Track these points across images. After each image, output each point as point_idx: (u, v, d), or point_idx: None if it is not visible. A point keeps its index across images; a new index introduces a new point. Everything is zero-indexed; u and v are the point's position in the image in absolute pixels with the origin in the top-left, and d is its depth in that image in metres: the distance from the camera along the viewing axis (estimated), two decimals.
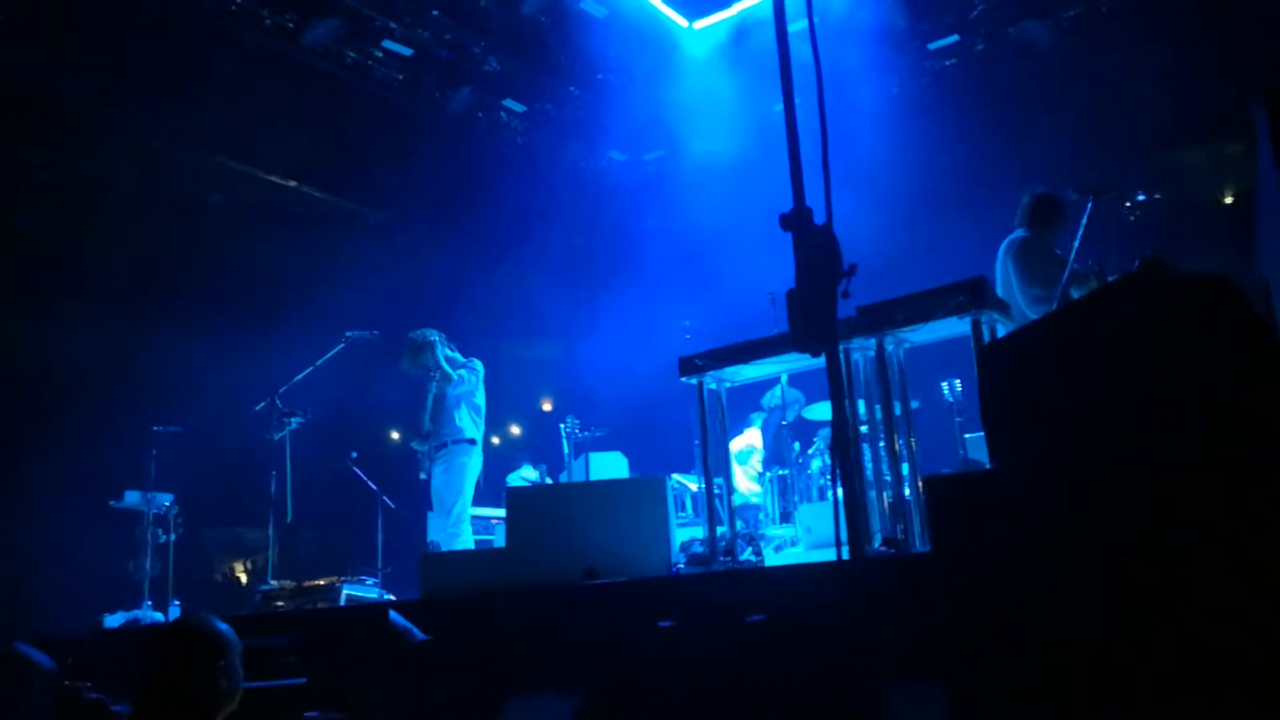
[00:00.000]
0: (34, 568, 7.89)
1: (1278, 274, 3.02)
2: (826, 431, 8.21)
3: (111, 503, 8.13)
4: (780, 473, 8.04)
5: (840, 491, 2.38)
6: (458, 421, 7.42)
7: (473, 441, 7.47)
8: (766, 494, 8.11)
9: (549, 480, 9.82)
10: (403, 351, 7.58)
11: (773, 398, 8.84)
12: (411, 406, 7.67)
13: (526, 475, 9.81)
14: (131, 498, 8.14)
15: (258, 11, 9.20)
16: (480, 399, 7.56)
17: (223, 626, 3.23)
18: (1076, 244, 5.05)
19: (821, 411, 8.19)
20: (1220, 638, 2.26)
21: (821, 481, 7.82)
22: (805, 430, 8.63)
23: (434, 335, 7.58)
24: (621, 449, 9.54)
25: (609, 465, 9.20)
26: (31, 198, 8.96)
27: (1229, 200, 9.70)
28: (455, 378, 7.39)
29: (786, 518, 7.72)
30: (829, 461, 7.89)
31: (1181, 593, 2.30)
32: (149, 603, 7.83)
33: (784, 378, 8.30)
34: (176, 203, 10.17)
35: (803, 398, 8.69)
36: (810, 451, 8.11)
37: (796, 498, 7.73)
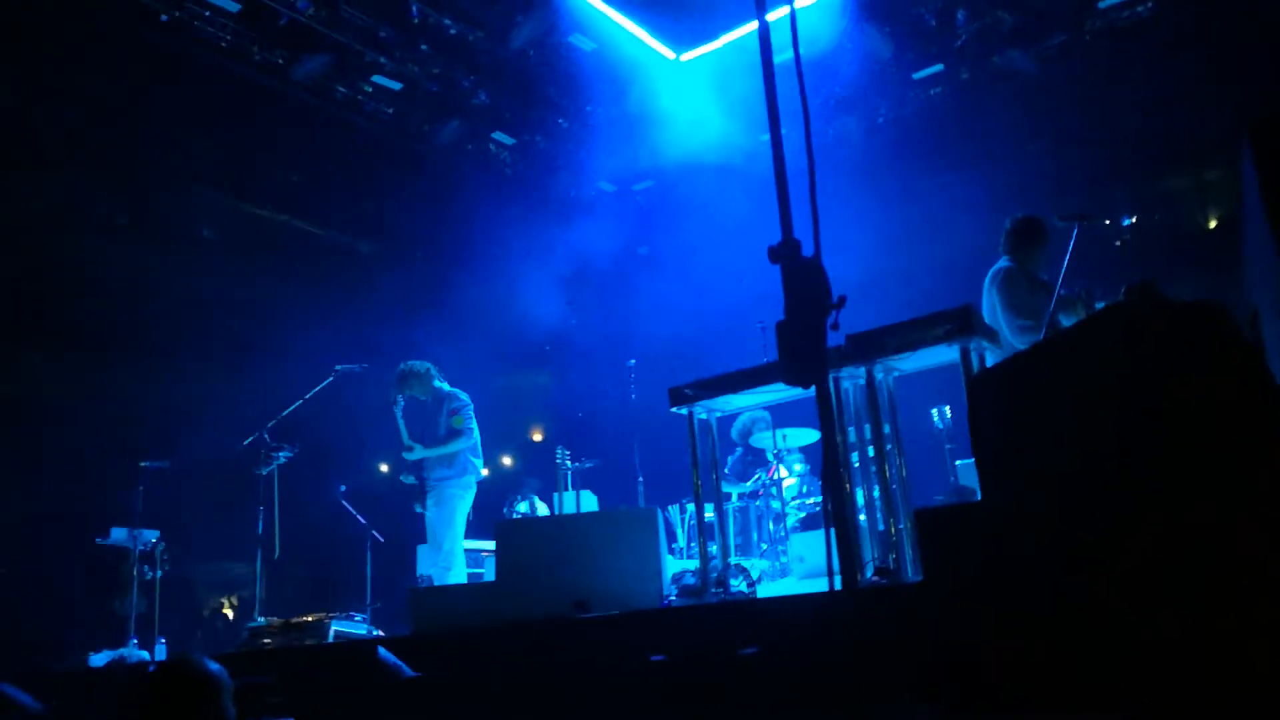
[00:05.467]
0: (19, 606, 7.79)
1: (1265, 301, 3.03)
2: (793, 458, 8.00)
3: (98, 540, 8.03)
4: (738, 505, 7.66)
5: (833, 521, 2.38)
6: (462, 464, 7.42)
7: (470, 475, 7.48)
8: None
9: (540, 509, 9.76)
10: (394, 380, 7.56)
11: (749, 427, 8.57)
12: (407, 438, 7.62)
13: (520, 509, 9.74)
14: (118, 534, 8.04)
15: (248, 48, 9.24)
16: (477, 434, 7.55)
17: (214, 666, 3.20)
18: (1063, 271, 5.07)
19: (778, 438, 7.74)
20: (1214, 666, 2.24)
21: (786, 509, 7.61)
22: (761, 457, 8.24)
23: (425, 366, 7.58)
24: (617, 478, 9.46)
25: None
26: (21, 230, 8.93)
27: (1213, 225, 9.78)
28: (466, 432, 7.39)
29: (741, 550, 7.37)
30: (802, 489, 7.75)
31: (1173, 625, 2.28)
32: (135, 640, 7.72)
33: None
34: (167, 237, 10.16)
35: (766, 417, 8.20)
36: (761, 480, 7.76)
37: (755, 533, 7.41)
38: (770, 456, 7.78)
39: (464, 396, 7.54)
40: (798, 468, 7.89)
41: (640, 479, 8.96)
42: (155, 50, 8.77)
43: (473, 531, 7.88)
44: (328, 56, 9.55)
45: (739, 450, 8.42)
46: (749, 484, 7.82)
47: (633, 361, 9.02)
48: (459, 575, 7.32)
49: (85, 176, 9.45)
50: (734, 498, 7.88)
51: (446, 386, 7.62)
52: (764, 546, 7.25)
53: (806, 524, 7.15)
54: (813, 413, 2.65)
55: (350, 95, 10.22)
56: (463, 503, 7.43)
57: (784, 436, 7.59)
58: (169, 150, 9.56)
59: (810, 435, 7.67)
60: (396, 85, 10.23)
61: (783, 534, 7.32)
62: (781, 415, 7.54)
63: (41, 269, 9.06)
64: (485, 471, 7.78)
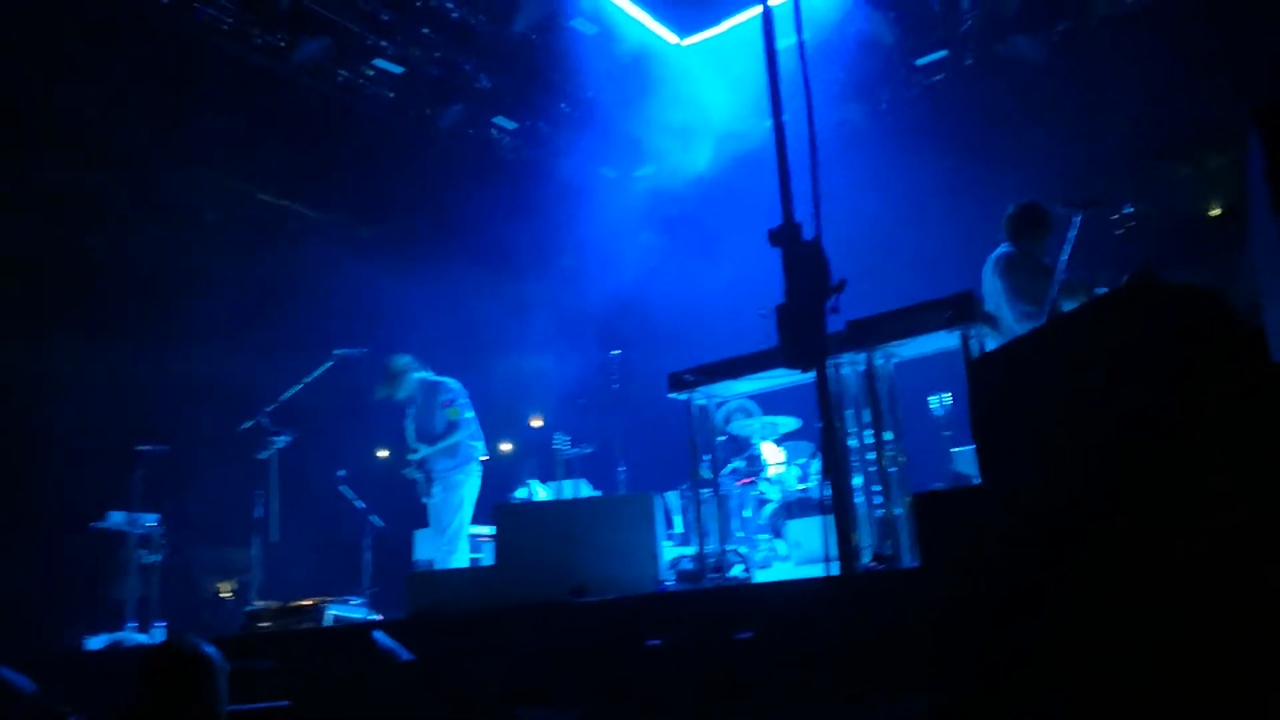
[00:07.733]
0: (15, 589, 7.79)
1: (1268, 288, 3.00)
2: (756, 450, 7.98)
3: (95, 523, 8.02)
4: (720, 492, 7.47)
5: (831, 507, 2.37)
6: (464, 451, 7.41)
7: (474, 460, 7.48)
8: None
9: (539, 494, 9.74)
10: (381, 378, 7.58)
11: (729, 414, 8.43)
12: (401, 430, 7.64)
13: (535, 492, 9.69)
14: (116, 518, 8.00)
15: (248, 30, 9.19)
16: (474, 418, 7.55)
17: (209, 649, 3.20)
18: (1065, 257, 5.05)
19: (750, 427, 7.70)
20: (1211, 647, 2.23)
21: (759, 493, 7.45)
22: (742, 444, 8.16)
23: (405, 361, 7.56)
24: (618, 465, 9.43)
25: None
26: (24, 212, 8.89)
27: (1216, 213, 9.74)
28: (463, 421, 7.39)
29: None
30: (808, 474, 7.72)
31: (1174, 607, 2.27)
32: (133, 624, 7.72)
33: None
34: (169, 219, 10.14)
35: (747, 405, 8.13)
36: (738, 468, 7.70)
37: (735, 520, 7.21)
38: (756, 442, 7.77)
39: (453, 384, 7.53)
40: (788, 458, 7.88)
41: (622, 467, 8.93)
42: (156, 32, 8.72)
43: (472, 517, 7.88)
44: (329, 39, 9.50)
45: (720, 438, 8.37)
46: (726, 471, 7.80)
47: (617, 351, 8.99)
48: (462, 559, 7.34)
49: (91, 158, 9.40)
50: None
51: (432, 376, 7.59)
52: (741, 534, 7.21)
53: (790, 511, 7.10)
54: (804, 400, 2.64)
55: (352, 79, 10.17)
56: (468, 488, 7.43)
57: (766, 425, 7.56)
58: (169, 132, 9.52)
59: (791, 424, 7.63)
60: (398, 69, 10.18)
61: (763, 521, 7.29)
62: (773, 403, 7.51)
63: (44, 250, 9.03)
64: (484, 458, 7.77)
